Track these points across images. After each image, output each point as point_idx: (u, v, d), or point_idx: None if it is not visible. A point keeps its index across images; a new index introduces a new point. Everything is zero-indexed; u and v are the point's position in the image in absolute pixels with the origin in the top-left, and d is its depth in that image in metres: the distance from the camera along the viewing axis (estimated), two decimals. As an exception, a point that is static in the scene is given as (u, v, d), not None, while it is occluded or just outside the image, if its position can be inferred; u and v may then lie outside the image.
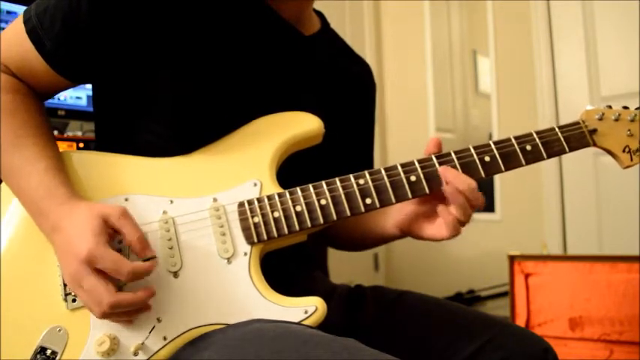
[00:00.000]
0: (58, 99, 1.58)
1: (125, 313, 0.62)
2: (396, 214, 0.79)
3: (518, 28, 2.52)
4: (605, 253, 2.06)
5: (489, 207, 2.64)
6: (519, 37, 2.52)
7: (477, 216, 2.81)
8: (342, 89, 0.89)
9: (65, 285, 0.66)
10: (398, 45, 3.02)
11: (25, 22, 0.70)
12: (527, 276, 1.87)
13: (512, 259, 1.90)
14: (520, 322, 1.84)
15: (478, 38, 2.72)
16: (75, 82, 0.75)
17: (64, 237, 0.62)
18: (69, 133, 1.60)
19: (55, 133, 1.55)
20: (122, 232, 0.63)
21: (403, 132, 2.96)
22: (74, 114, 1.62)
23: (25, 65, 0.71)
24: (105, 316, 0.61)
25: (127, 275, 0.60)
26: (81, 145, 1.53)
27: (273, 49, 0.79)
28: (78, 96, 1.65)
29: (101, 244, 0.60)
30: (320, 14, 0.92)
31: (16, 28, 0.71)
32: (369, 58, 2.95)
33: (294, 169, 0.75)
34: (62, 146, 1.50)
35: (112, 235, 0.63)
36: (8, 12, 1.54)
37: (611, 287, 1.72)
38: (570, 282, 1.79)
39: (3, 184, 0.72)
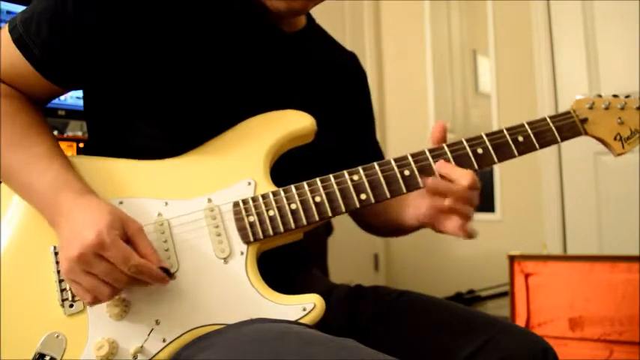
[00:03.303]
0: (58, 99, 1.58)
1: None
2: (414, 208, 0.80)
3: (518, 28, 2.52)
4: (605, 253, 2.06)
5: (489, 207, 2.64)
6: (519, 37, 2.52)
7: (477, 216, 2.82)
8: (329, 84, 0.88)
9: (62, 291, 0.66)
10: (398, 45, 3.02)
11: (11, 30, 0.70)
12: (527, 276, 1.87)
13: (512, 259, 1.90)
14: (520, 322, 1.84)
15: (478, 38, 2.72)
16: (65, 87, 0.75)
17: (74, 223, 0.62)
18: (69, 133, 1.60)
19: (55, 133, 1.55)
20: (136, 243, 0.63)
21: (403, 132, 2.96)
22: (74, 114, 1.62)
23: (17, 74, 0.71)
24: (105, 298, 0.62)
25: (132, 268, 0.60)
26: (81, 145, 1.53)
27: (259, 48, 0.79)
28: (78, 96, 1.65)
29: (112, 234, 0.60)
30: None
31: (3, 38, 0.71)
32: (369, 59, 2.95)
33: (288, 167, 0.75)
34: (62, 146, 1.50)
35: (123, 238, 0.62)
36: (8, 12, 1.54)
37: (611, 287, 1.72)
38: (570, 282, 1.78)
39: (2, 185, 0.72)
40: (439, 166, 0.72)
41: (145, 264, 0.61)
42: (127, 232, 0.63)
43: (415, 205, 0.80)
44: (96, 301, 0.62)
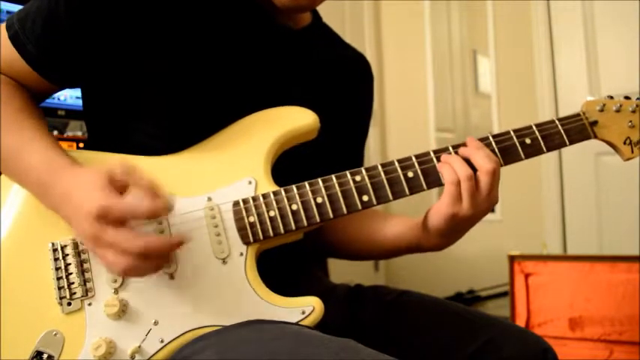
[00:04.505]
0: (58, 99, 1.58)
1: (148, 266, 0.59)
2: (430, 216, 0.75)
3: (518, 28, 2.52)
4: (605, 253, 2.06)
5: (489, 207, 2.64)
6: (519, 37, 2.52)
7: (477, 216, 2.82)
8: (334, 82, 0.87)
9: (60, 288, 0.65)
10: (398, 45, 3.02)
11: (8, 27, 0.71)
12: (527, 276, 1.86)
13: (512, 259, 1.90)
14: (520, 322, 1.83)
15: (478, 38, 2.72)
16: (60, 85, 0.75)
17: (74, 202, 0.61)
18: (69, 133, 1.60)
19: (55, 133, 1.54)
20: (131, 181, 0.60)
21: (403, 132, 2.96)
22: (74, 114, 1.62)
23: (14, 70, 0.72)
24: (131, 269, 0.58)
25: (147, 211, 0.57)
26: (81, 145, 1.53)
27: (262, 45, 0.78)
28: (78, 96, 1.64)
29: (110, 196, 0.58)
30: None
31: (0, 36, 0.71)
32: (369, 58, 2.95)
33: (288, 165, 0.74)
34: (62, 146, 1.50)
35: (119, 189, 0.60)
36: (8, 12, 1.54)
37: (611, 287, 1.72)
38: (570, 282, 1.78)
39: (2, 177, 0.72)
40: (462, 151, 0.71)
41: (155, 204, 0.58)
42: (116, 178, 0.60)
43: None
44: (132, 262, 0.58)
